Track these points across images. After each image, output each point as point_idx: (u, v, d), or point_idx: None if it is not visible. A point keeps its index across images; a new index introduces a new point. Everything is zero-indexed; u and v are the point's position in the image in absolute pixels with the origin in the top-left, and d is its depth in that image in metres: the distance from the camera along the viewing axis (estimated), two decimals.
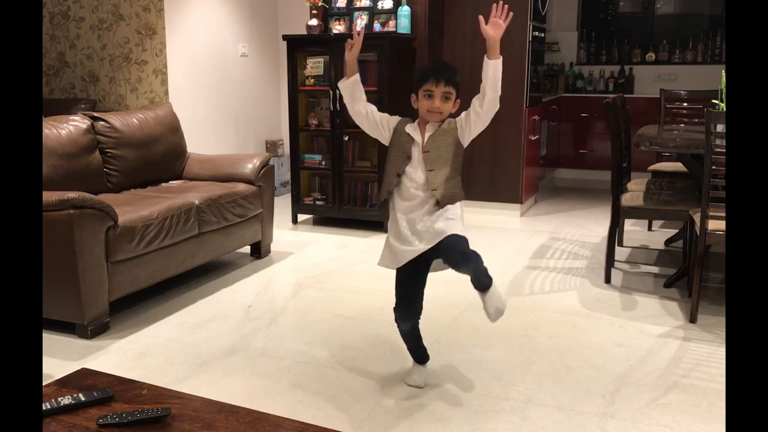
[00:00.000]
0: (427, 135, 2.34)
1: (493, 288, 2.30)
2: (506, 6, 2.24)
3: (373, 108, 2.47)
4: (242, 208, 3.87)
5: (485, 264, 2.26)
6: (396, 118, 2.44)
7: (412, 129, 2.37)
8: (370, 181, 4.93)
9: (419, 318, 2.48)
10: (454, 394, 2.48)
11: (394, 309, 2.46)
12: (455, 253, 2.25)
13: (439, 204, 2.30)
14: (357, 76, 2.45)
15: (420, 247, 2.30)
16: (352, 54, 2.42)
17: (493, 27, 2.24)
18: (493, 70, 2.25)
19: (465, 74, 5.04)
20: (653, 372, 2.65)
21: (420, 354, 2.59)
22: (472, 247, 2.27)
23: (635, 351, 2.84)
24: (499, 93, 2.29)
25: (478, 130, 2.33)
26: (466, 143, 2.35)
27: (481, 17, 2.28)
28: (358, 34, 2.40)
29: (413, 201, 2.33)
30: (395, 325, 2.51)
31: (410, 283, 2.42)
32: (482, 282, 2.28)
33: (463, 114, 2.33)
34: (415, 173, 2.33)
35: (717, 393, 2.47)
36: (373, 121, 2.44)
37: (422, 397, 2.46)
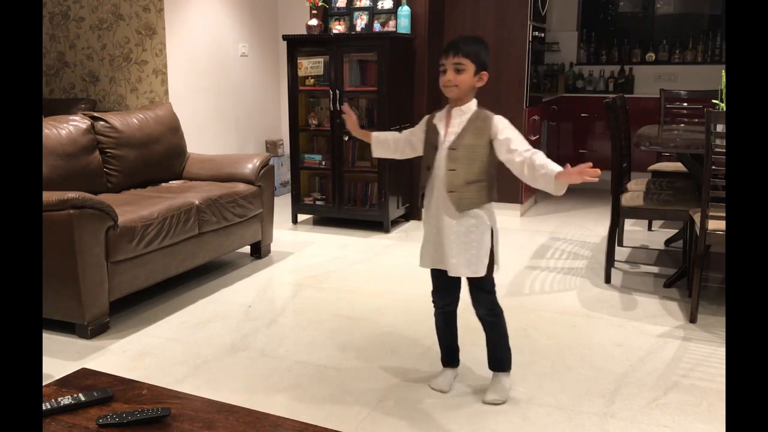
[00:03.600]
0: (453, 126, 2.25)
1: (507, 375, 2.39)
2: (599, 172, 2.09)
3: (406, 134, 2.44)
4: (242, 208, 3.87)
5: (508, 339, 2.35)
6: (424, 120, 2.39)
7: (438, 119, 2.31)
8: (370, 181, 4.93)
9: (456, 303, 2.45)
10: (454, 394, 2.48)
11: (432, 292, 2.45)
12: (479, 305, 2.33)
13: (456, 208, 2.25)
14: (375, 136, 2.47)
15: (449, 265, 2.29)
16: (352, 126, 2.46)
17: (569, 177, 2.12)
18: (540, 185, 2.18)
19: None
20: (653, 372, 2.65)
21: (450, 354, 2.55)
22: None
23: (635, 351, 2.84)
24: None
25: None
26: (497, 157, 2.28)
27: (568, 166, 2.16)
28: (348, 108, 2.46)
29: (439, 199, 2.28)
30: (395, 325, 2.51)
31: (444, 277, 2.38)
32: (494, 354, 2.38)
33: (506, 132, 2.22)
34: (439, 168, 2.27)
35: (717, 393, 2.47)
36: (411, 147, 2.43)
37: (422, 397, 2.46)
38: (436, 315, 2.50)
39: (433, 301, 2.47)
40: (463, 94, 2.24)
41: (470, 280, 2.32)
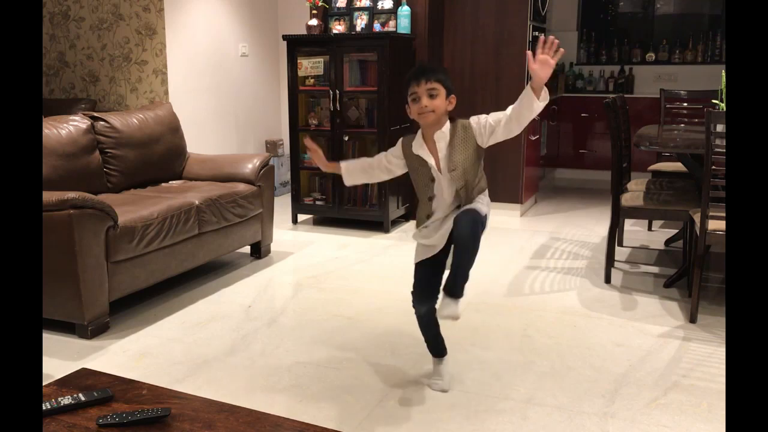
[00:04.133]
0: (441, 151, 2.26)
1: (457, 307, 2.29)
2: (556, 41, 2.07)
3: (379, 159, 2.44)
4: (242, 208, 3.87)
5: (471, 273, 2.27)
6: (398, 145, 2.39)
7: (419, 147, 2.30)
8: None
9: (435, 301, 2.40)
10: (454, 394, 2.48)
11: (412, 293, 2.44)
12: (465, 217, 2.21)
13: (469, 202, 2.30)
14: (345, 167, 2.45)
15: (442, 235, 2.31)
16: (319, 161, 2.43)
17: (542, 66, 2.07)
18: (531, 111, 2.14)
19: (465, 74, 5.09)
20: (653, 372, 2.65)
21: (438, 346, 2.55)
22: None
23: (635, 351, 2.84)
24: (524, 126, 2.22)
25: (499, 140, 2.26)
26: (485, 146, 2.28)
27: (529, 54, 2.11)
28: (311, 143, 2.43)
29: (446, 213, 2.33)
30: (395, 325, 2.51)
31: (429, 275, 2.40)
32: (456, 279, 2.23)
33: (481, 119, 2.25)
34: (443, 192, 2.31)
35: (717, 393, 2.47)
36: (386, 171, 2.43)
37: (422, 397, 2.46)
38: (419, 319, 2.48)
39: (415, 306, 2.44)
40: (439, 119, 2.25)
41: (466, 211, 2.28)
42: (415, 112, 2.25)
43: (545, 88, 2.13)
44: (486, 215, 2.29)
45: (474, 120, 2.27)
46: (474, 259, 2.26)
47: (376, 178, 2.49)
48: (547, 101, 2.14)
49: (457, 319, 2.26)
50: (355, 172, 2.48)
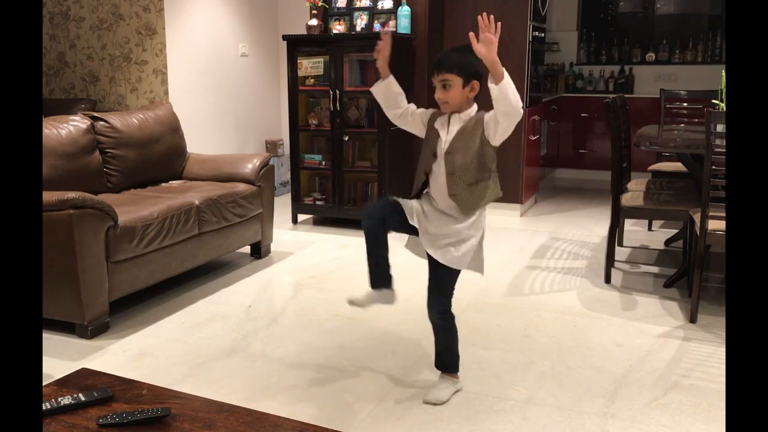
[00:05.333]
0: (452, 131, 2.25)
1: (454, 379, 2.42)
2: (492, 17, 2.07)
3: (409, 107, 2.39)
4: (242, 208, 3.87)
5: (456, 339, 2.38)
6: (429, 112, 2.37)
7: (440, 124, 2.30)
8: (370, 181, 4.93)
9: (385, 228, 2.36)
10: (454, 394, 2.47)
11: (365, 207, 2.39)
12: (432, 298, 2.35)
13: (461, 211, 2.25)
14: (390, 79, 2.34)
15: (424, 241, 2.31)
16: (380, 60, 2.31)
17: (485, 45, 2.05)
18: (499, 96, 2.08)
19: None
20: (653, 372, 2.65)
21: (381, 273, 2.44)
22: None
23: (635, 351, 2.84)
24: (517, 108, 2.10)
25: (503, 136, 2.20)
26: (495, 143, 2.22)
27: (472, 35, 2.10)
28: (386, 34, 2.29)
29: (439, 202, 2.30)
30: (395, 325, 2.52)
31: (392, 214, 2.34)
32: (443, 356, 2.41)
33: (488, 116, 2.22)
34: (439, 173, 2.28)
35: (717, 393, 2.47)
36: (410, 121, 2.39)
37: (422, 397, 2.46)
38: (366, 231, 2.37)
39: (364, 218, 2.36)
40: (458, 107, 2.25)
41: (436, 274, 2.32)
42: (436, 98, 2.27)
43: (500, 68, 2.07)
44: (468, 252, 2.30)
45: (488, 114, 2.24)
46: (455, 338, 2.40)
47: (392, 109, 2.39)
48: (504, 79, 2.07)
49: (441, 404, 2.38)
50: (389, 91, 2.36)
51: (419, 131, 2.40)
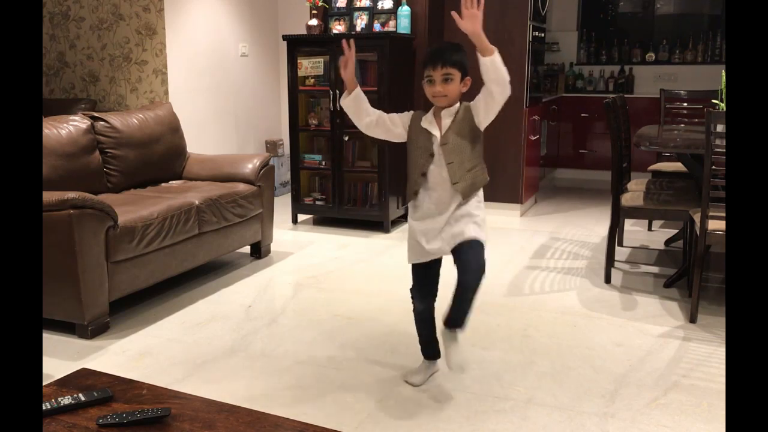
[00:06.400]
0: (445, 124, 2.28)
1: (459, 340, 2.35)
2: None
3: (380, 113, 2.43)
4: (242, 208, 3.87)
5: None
6: (408, 114, 2.40)
7: (428, 123, 2.32)
8: (370, 181, 4.93)
9: (435, 299, 2.47)
10: (454, 394, 2.48)
11: (411, 290, 2.48)
12: (472, 262, 2.26)
13: (463, 196, 2.28)
14: (357, 90, 2.39)
15: (440, 248, 2.31)
16: (348, 72, 2.36)
17: (470, 20, 2.11)
18: (491, 67, 2.14)
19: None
20: (653, 372, 2.65)
21: (431, 348, 2.56)
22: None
23: (635, 351, 2.84)
24: (507, 80, 2.16)
25: (491, 115, 2.26)
26: (482, 126, 2.29)
27: (454, 13, 2.13)
28: (349, 47, 2.32)
29: (441, 200, 2.30)
30: (395, 325, 2.51)
31: (425, 272, 2.44)
32: (459, 314, 2.31)
33: (477, 98, 2.26)
34: (440, 170, 2.30)
35: (717, 393, 2.47)
36: (384, 126, 2.41)
37: (422, 397, 2.46)
38: (417, 315, 2.51)
39: (414, 300, 2.48)
40: (452, 101, 2.30)
41: (466, 258, 2.29)
42: (430, 94, 2.29)
43: (487, 41, 2.11)
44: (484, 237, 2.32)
45: (474, 101, 2.29)
46: (476, 296, 2.34)
47: (363, 118, 2.41)
48: (493, 53, 2.12)
49: (464, 369, 2.38)
50: (357, 104, 2.40)
51: (396, 136, 2.42)
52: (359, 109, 2.40)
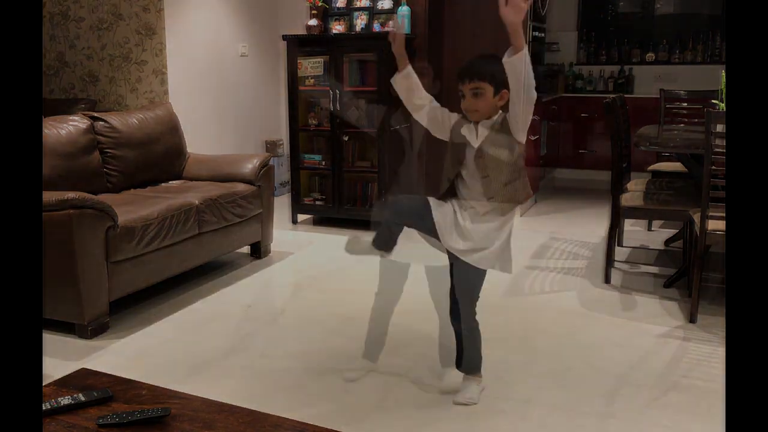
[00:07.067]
0: (482, 135, 2.20)
1: (478, 378, 2.39)
2: None
3: (432, 98, 2.33)
4: (242, 208, 3.87)
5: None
6: (456, 116, 2.30)
7: (467, 130, 2.23)
8: (370, 181, 4.93)
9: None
10: (454, 395, 2.47)
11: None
12: (461, 297, 2.32)
13: (501, 211, 2.21)
14: (409, 68, 2.28)
15: (460, 246, 2.26)
16: (398, 46, 2.25)
17: (514, 10, 1.96)
18: (519, 67, 2.02)
19: None
20: (653, 372, 2.65)
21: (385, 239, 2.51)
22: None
23: (635, 351, 2.84)
24: (533, 83, 2.07)
25: (526, 121, 2.16)
26: (520, 138, 2.18)
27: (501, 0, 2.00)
28: (400, 24, 2.25)
29: (475, 206, 2.24)
30: (395, 324, 2.51)
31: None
32: (469, 361, 2.38)
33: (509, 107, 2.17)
34: (471, 180, 2.22)
35: (717, 393, 2.47)
36: (433, 115, 2.31)
37: (422, 397, 2.46)
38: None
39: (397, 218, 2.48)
40: (487, 116, 2.21)
41: (462, 277, 2.31)
42: (463, 108, 2.22)
43: (522, 38, 2.01)
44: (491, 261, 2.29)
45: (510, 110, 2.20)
46: (480, 340, 2.39)
47: (416, 99, 2.31)
48: (524, 48, 2.02)
49: (473, 404, 2.38)
50: (410, 80, 2.29)
51: (436, 128, 2.33)
52: (410, 88, 2.29)
